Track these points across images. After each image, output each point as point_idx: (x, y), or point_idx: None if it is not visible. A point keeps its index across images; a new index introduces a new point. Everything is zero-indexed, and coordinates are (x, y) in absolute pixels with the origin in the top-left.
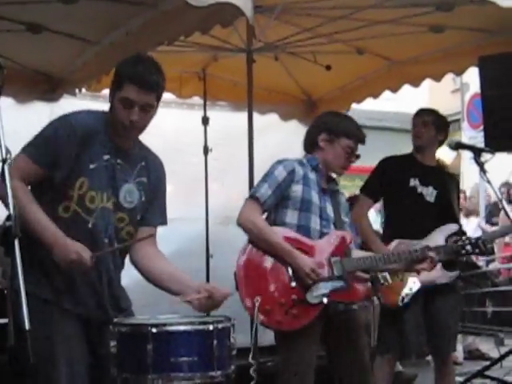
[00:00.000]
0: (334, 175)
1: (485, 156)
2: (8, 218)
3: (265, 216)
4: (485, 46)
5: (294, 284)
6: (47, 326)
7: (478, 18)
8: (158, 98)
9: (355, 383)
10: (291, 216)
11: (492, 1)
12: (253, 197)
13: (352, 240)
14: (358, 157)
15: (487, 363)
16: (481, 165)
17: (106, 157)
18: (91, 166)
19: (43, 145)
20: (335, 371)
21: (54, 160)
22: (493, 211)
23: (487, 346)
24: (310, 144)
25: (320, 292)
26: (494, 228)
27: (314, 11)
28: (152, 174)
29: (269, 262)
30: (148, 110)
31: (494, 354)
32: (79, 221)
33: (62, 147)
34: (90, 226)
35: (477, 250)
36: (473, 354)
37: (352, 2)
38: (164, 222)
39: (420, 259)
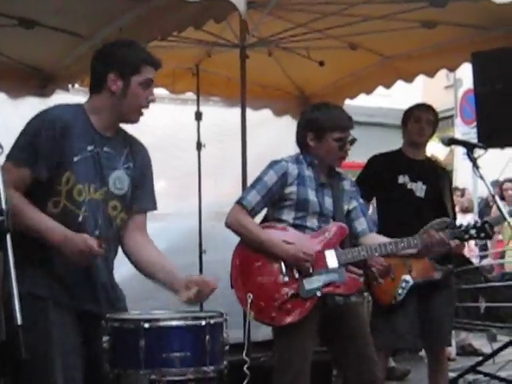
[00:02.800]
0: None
1: (478, 152)
2: (0, 212)
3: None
4: (478, 41)
5: (286, 279)
6: (42, 322)
7: (471, 14)
8: None
9: (362, 375)
10: (288, 215)
11: None
12: (239, 203)
13: (346, 232)
14: (352, 142)
15: (480, 359)
16: (474, 160)
17: (90, 147)
18: (75, 159)
19: (27, 145)
20: (340, 366)
21: (39, 158)
22: (483, 209)
23: (480, 342)
24: (301, 145)
25: (313, 285)
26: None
27: (307, 7)
28: (137, 159)
29: (261, 258)
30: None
31: (487, 350)
32: (69, 215)
33: (45, 144)
34: (80, 219)
35: (482, 234)
36: (465, 350)
37: None
38: (154, 206)
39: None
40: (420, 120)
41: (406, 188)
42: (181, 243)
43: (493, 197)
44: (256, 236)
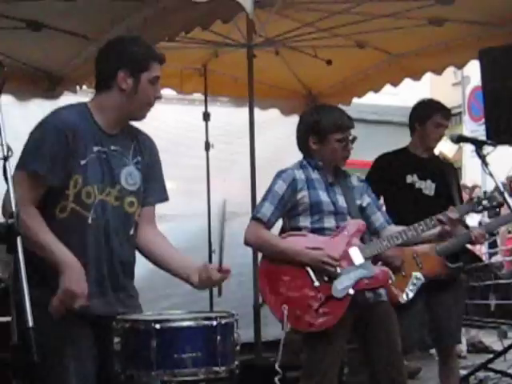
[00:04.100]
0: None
1: (486, 149)
2: (11, 215)
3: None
4: (485, 38)
5: (317, 284)
6: (54, 326)
7: (479, 11)
8: None
9: (391, 371)
10: (304, 220)
11: None
12: (255, 218)
13: (364, 227)
14: (353, 140)
15: (491, 356)
16: (483, 158)
17: (96, 148)
18: (82, 162)
19: (37, 154)
20: (370, 360)
21: (52, 166)
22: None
23: (490, 339)
24: (304, 149)
25: (344, 284)
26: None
27: (314, 6)
28: (145, 152)
29: (288, 269)
30: None
31: (497, 347)
32: (78, 218)
33: (54, 151)
34: (89, 221)
35: (494, 203)
36: (476, 347)
37: None
38: (164, 198)
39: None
40: (441, 126)
41: (414, 187)
42: (190, 243)
43: (502, 194)
44: (276, 247)
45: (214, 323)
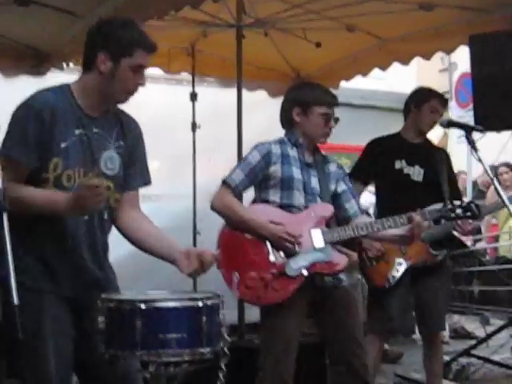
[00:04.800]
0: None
1: (476, 135)
2: None
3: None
4: (475, 24)
5: (273, 259)
6: (33, 305)
7: None
8: None
9: (348, 358)
10: (274, 195)
11: None
12: (225, 182)
13: (331, 212)
14: (336, 120)
15: (473, 342)
16: (472, 143)
17: (78, 131)
18: (63, 145)
19: (18, 139)
20: (326, 348)
21: (32, 150)
22: (477, 194)
23: (473, 325)
24: (287, 121)
25: (299, 264)
26: None
27: None
28: (128, 135)
29: (247, 239)
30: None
31: (480, 333)
32: None
33: (35, 135)
34: None
35: (468, 213)
36: (458, 333)
37: None
38: (147, 181)
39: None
40: (436, 112)
41: (402, 173)
42: (175, 224)
43: (492, 180)
44: (240, 216)
45: (200, 304)
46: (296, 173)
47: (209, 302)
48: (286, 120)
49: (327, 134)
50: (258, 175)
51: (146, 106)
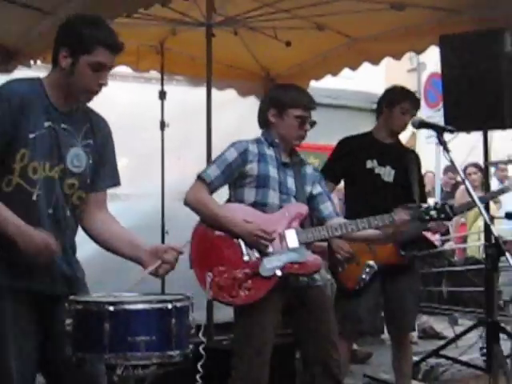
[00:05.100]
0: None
1: (447, 136)
2: None
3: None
4: (445, 24)
5: (246, 258)
6: None
7: None
8: None
9: (322, 359)
10: (248, 193)
11: None
12: (199, 177)
13: (306, 212)
14: (312, 124)
15: (441, 342)
16: (444, 144)
17: (47, 124)
18: (31, 136)
19: None
20: (300, 348)
21: None
22: (445, 194)
23: (441, 325)
24: (263, 122)
25: (273, 264)
26: None
27: None
28: (98, 134)
29: (220, 238)
30: (109, 72)
31: (448, 333)
32: (22, 193)
33: (1, 120)
34: (34, 197)
35: (442, 215)
36: (427, 333)
37: None
38: (116, 182)
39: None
40: (408, 113)
41: (373, 173)
42: (143, 223)
43: (463, 181)
44: (214, 212)
45: (169, 306)
46: (272, 172)
47: (178, 304)
48: (263, 120)
49: (302, 137)
50: (233, 172)
51: (115, 103)
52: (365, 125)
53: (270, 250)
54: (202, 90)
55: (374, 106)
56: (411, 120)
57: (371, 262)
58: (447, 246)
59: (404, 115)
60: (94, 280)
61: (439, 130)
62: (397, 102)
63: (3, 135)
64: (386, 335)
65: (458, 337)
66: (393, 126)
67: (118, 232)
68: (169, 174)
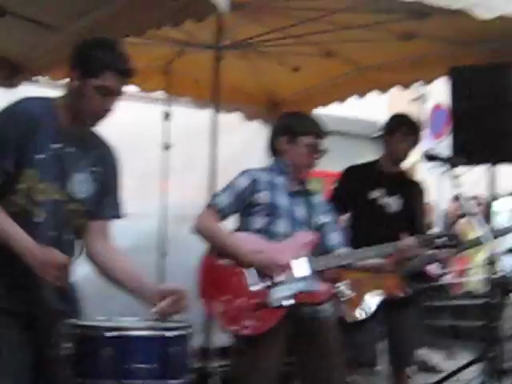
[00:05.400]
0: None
1: (457, 171)
2: None
3: (235, 225)
4: (457, 56)
5: (254, 288)
6: None
7: (451, 28)
8: None
9: None
10: (258, 221)
11: (467, 12)
12: (210, 205)
13: (316, 239)
14: (323, 152)
15: (437, 376)
16: (455, 178)
17: (55, 146)
18: (38, 157)
19: None
20: (304, 378)
21: (7, 151)
22: (447, 225)
23: (436, 358)
24: (273, 149)
25: (282, 294)
26: None
27: (286, 11)
28: (105, 163)
29: (228, 268)
30: (119, 98)
31: (444, 367)
32: (27, 215)
33: (12, 138)
34: (37, 220)
35: (454, 242)
36: (422, 367)
37: (325, 4)
38: (118, 214)
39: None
40: (406, 139)
41: (377, 203)
42: (142, 243)
43: (474, 215)
44: (223, 241)
45: (169, 334)
46: (282, 200)
47: (178, 332)
48: (273, 148)
49: (312, 165)
50: (244, 201)
51: (117, 122)
52: (366, 152)
53: (279, 279)
54: (207, 113)
55: (376, 134)
56: (424, 153)
57: (374, 293)
58: (445, 280)
59: (403, 141)
60: (88, 300)
61: (451, 164)
62: (396, 128)
63: (10, 155)
64: (380, 367)
65: (458, 371)
66: (395, 153)
67: (121, 264)
68: (170, 196)
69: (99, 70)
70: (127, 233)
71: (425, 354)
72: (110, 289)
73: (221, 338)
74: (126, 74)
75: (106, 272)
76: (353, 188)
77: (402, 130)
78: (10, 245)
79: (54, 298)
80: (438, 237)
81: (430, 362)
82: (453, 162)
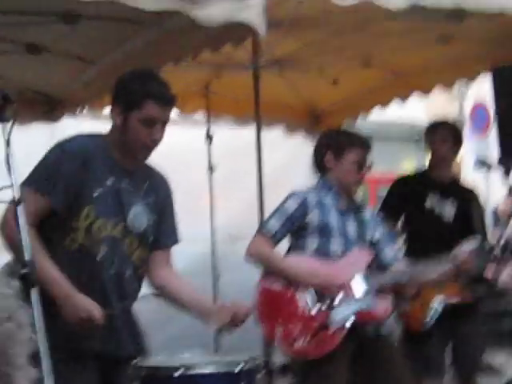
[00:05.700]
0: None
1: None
2: (24, 264)
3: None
4: (495, 55)
5: (314, 311)
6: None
7: (489, 29)
8: None
9: None
10: (310, 243)
11: (504, 12)
12: (261, 232)
13: (370, 257)
14: (370, 166)
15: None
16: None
17: (110, 182)
18: (95, 194)
19: (46, 174)
20: None
21: (59, 189)
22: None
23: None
24: (319, 167)
25: (341, 315)
26: None
27: (321, 24)
28: (159, 192)
29: (286, 291)
30: (165, 126)
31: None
32: (86, 253)
33: (65, 176)
34: (97, 258)
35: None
36: (487, 369)
37: (362, 14)
38: (176, 240)
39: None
40: (446, 140)
41: (433, 212)
42: (193, 268)
43: None
44: (278, 267)
45: (238, 369)
46: (333, 220)
47: (246, 367)
48: (319, 165)
49: (361, 181)
50: (294, 224)
51: (161, 148)
52: (404, 156)
53: (338, 299)
54: (249, 130)
55: (416, 137)
56: (476, 159)
57: (437, 303)
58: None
59: (444, 143)
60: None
61: (505, 170)
62: (434, 132)
63: (69, 193)
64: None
65: None
66: (439, 159)
67: (183, 288)
68: (217, 216)
69: (140, 101)
70: (178, 258)
71: (488, 356)
72: (158, 319)
73: (279, 356)
74: (167, 102)
75: (171, 300)
76: (405, 198)
77: (441, 131)
78: (49, 287)
79: (128, 339)
80: (505, 248)
81: (495, 364)
82: (506, 166)
